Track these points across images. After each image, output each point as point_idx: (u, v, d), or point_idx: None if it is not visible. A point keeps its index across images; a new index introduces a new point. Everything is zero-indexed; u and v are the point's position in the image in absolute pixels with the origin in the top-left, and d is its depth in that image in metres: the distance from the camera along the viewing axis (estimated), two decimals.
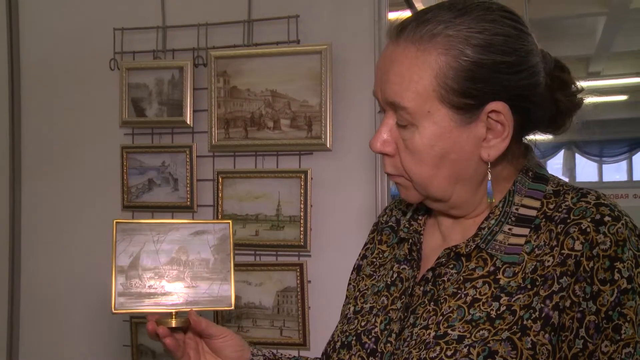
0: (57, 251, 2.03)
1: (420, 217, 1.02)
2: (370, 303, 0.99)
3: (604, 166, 13.20)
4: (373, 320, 0.95)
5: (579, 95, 0.94)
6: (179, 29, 1.91)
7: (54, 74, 2.04)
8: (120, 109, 1.92)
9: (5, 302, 2.01)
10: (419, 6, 2.11)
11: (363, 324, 0.96)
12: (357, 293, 1.04)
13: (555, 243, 0.83)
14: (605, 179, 13.15)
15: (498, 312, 0.83)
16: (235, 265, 1.81)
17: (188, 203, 1.87)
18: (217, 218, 1.83)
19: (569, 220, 0.83)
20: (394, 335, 0.91)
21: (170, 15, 1.93)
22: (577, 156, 13.18)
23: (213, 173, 1.87)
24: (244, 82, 1.82)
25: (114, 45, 1.95)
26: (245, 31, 1.84)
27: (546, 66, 0.90)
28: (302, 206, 1.77)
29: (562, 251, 0.82)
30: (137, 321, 1.91)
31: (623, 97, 9.97)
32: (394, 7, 1.91)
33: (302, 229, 1.77)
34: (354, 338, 0.95)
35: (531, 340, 0.80)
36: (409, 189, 0.92)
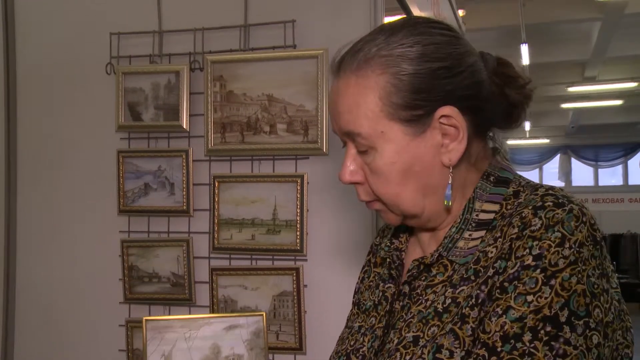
0: (53, 256, 2.02)
1: (401, 235, 1.04)
2: (359, 322, 1.01)
3: (600, 170, 13.25)
4: (361, 339, 0.98)
5: (528, 87, 0.96)
6: (175, 34, 1.91)
7: (50, 78, 2.04)
8: (116, 113, 1.92)
9: (1, 306, 2.01)
10: (414, 10, 2.12)
11: (352, 343, 0.99)
12: (356, 317, 1.07)
13: (499, 234, 0.85)
14: (601, 183, 13.19)
15: (444, 306, 0.85)
16: (231, 269, 1.81)
17: (184, 207, 1.87)
18: (214, 222, 1.83)
19: (514, 212, 0.85)
20: (374, 351, 0.93)
21: (166, 19, 1.93)
22: (573, 160, 13.22)
23: (209, 177, 1.87)
24: (240, 87, 1.82)
25: (110, 49, 1.95)
26: (242, 36, 1.85)
27: (488, 64, 0.92)
28: (298, 210, 1.77)
29: (504, 240, 0.83)
30: (133, 325, 1.90)
31: (618, 102, 10.01)
32: (390, 11, 1.92)
33: (298, 233, 1.77)
34: (345, 358, 0.98)
35: (470, 327, 0.81)
36: (386, 212, 0.95)
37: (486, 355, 0.78)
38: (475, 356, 0.79)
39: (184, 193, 1.87)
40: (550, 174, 13.19)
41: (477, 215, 0.90)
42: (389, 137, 0.87)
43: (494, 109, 0.92)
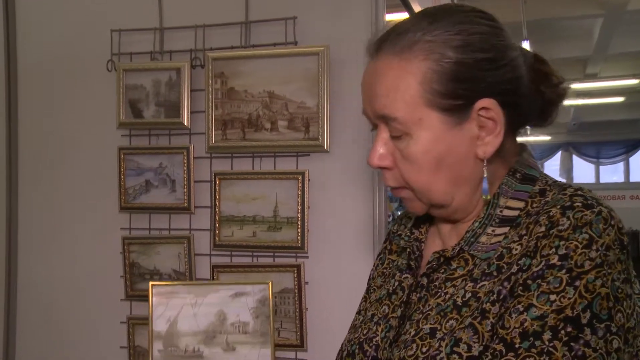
0: (54, 253, 2.03)
1: (422, 225, 1.03)
2: (372, 311, 1.00)
3: (601, 167, 13.23)
4: (374, 328, 0.96)
5: (562, 86, 0.95)
6: (176, 31, 1.91)
7: (51, 75, 2.04)
8: (117, 111, 1.92)
9: (2, 304, 2.01)
10: (416, 7, 2.12)
11: (365, 332, 0.98)
12: (368, 305, 1.05)
13: (524, 232, 0.84)
14: (602, 180, 13.18)
15: (464, 299, 0.85)
16: (232, 266, 1.81)
17: (185, 204, 1.87)
18: (215, 219, 1.83)
19: (541, 211, 0.84)
20: (389, 342, 0.92)
21: (167, 16, 1.92)
22: (575, 157, 13.21)
23: (210, 174, 1.87)
24: (241, 84, 1.82)
25: (111, 46, 1.95)
26: (243, 32, 1.84)
27: (526, 60, 0.91)
28: (299, 207, 1.77)
29: (530, 238, 0.82)
30: (135, 322, 1.90)
31: (620, 99, 9.99)
32: (391, 8, 1.91)
33: (299, 230, 1.77)
34: (357, 347, 0.97)
35: (490, 322, 0.81)
36: (413, 200, 0.93)
37: (504, 350, 0.77)
38: (492, 351, 0.78)
39: (185, 190, 1.87)
40: (551, 171, 13.17)
41: (501, 211, 0.89)
42: (426, 125, 0.86)
43: (530, 106, 0.91)
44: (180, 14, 1.91)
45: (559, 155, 13.22)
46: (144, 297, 1.89)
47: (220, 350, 1.00)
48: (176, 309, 0.99)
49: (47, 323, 2.03)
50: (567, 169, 13.06)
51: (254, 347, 1.01)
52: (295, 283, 1.77)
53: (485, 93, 0.85)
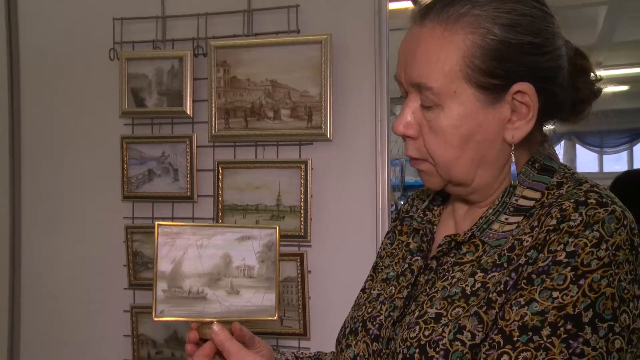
0: (58, 242, 2.03)
1: (435, 208, 1.02)
2: (378, 290, 1.00)
3: (605, 157, 13.20)
4: (379, 307, 0.96)
5: (597, 85, 0.94)
6: (179, 19, 1.90)
7: (54, 64, 2.03)
8: (120, 99, 1.92)
9: (7, 294, 2.02)
10: None
11: (369, 310, 0.97)
12: (374, 283, 1.05)
13: (536, 223, 0.83)
14: (606, 169, 13.15)
15: (473, 289, 0.84)
16: None
17: (188, 193, 1.87)
18: (218, 208, 1.83)
19: (554, 203, 0.83)
20: (392, 321, 0.92)
21: (170, 5, 1.92)
22: (578, 147, 13.18)
23: (213, 163, 1.86)
24: (244, 72, 1.82)
25: (114, 35, 1.94)
26: (245, 21, 1.84)
27: (568, 52, 0.90)
28: (302, 196, 1.77)
29: (540, 230, 0.81)
30: (138, 311, 1.91)
31: (624, 88, 9.94)
32: None
33: (302, 219, 1.77)
34: (360, 324, 0.97)
35: (495, 312, 0.80)
36: (431, 174, 0.91)
37: (501, 342, 0.77)
38: (490, 341, 0.78)
39: (188, 179, 1.87)
40: None
41: (516, 200, 0.88)
42: (460, 99, 0.84)
43: (565, 98, 0.90)
44: (183, 2, 1.90)
45: (562, 144, 13.20)
46: (147, 286, 1.90)
47: (224, 293, 1.00)
48: (181, 249, 0.99)
49: (51, 311, 2.04)
50: (570, 158, 13.04)
51: (259, 291, 1.01)
52: (298, 272, 1.77)
53: (524, 77, 0.84)
